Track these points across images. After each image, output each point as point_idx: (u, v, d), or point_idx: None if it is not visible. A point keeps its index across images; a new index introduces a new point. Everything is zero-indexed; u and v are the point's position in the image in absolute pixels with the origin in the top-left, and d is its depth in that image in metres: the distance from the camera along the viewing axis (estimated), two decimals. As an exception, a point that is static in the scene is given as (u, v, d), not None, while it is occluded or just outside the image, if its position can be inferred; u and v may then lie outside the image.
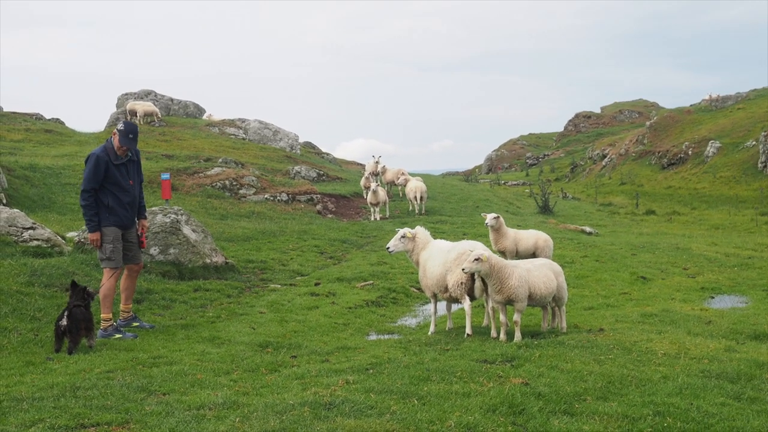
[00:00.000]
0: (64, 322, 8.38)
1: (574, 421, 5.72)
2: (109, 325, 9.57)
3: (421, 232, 10.59)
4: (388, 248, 10.63)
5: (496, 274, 9.01)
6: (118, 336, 9.44)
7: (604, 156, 56.98)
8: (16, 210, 14.05)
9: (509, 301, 9.12)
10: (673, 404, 6.03)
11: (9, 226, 13.15)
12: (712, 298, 13.70)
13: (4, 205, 15.97)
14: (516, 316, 9.17)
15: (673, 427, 5.57)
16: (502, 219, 14.13)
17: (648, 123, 57.18)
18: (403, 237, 10.50)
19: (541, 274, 9.47)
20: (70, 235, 14.85)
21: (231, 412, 5.85)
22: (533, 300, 9.37)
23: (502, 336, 9.18)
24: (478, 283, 9.39)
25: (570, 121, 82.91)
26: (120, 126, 9.89)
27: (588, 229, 25.42)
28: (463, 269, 9.06)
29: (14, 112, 40.24)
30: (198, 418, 5.72)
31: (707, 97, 59.91)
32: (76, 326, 8.43)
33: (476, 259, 8.92)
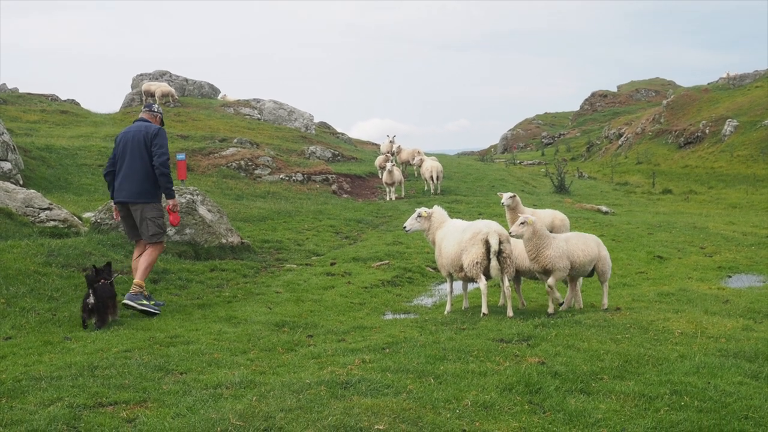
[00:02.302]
0: (92, 300, 8.61)
1: (590, 399, 5.72)
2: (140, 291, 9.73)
3: (437, 211, 10.54)
4: (405, 227, 10.63)
5: (537, 240, 9.29)
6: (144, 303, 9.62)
7: (621, 135, 56.59)
8: (32, 191, 14.13)
9: (545, 271, 9.42)
10: (690, 383, 6.01)
11: (26, 206, 13.22)
12: (730, 277, 13.64)
13: (21, 186, 16.05)
14: (551, 280, 9.47)
15: (690, 405, 5.56)
16: (518, 198, 14.08)
17: (664, 102, 56.72)
18: (419, 216, 10.48)
19: (580, 242, 9.69)
20: (86, 215, 14.92)
21: (248, 391, 5.87)
22: (573, 269, 9.61)
23: (509, 313, 9.36)
24: (494, 263, 9.35)
25: (586, 100, 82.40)
26: (160, 109, 10.62)
27: (604, 208, 25.33)
28: (510, 233, 9.37)
29: (30, 94, 40.33)
30: (215, 397, 5.75)
31: (725, 75, 59.32)
32: (104, 303, 8.71)
33: (522, 223, 9.21)
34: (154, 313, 9.52)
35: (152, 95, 37.91)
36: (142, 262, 9.80)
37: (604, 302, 9.91)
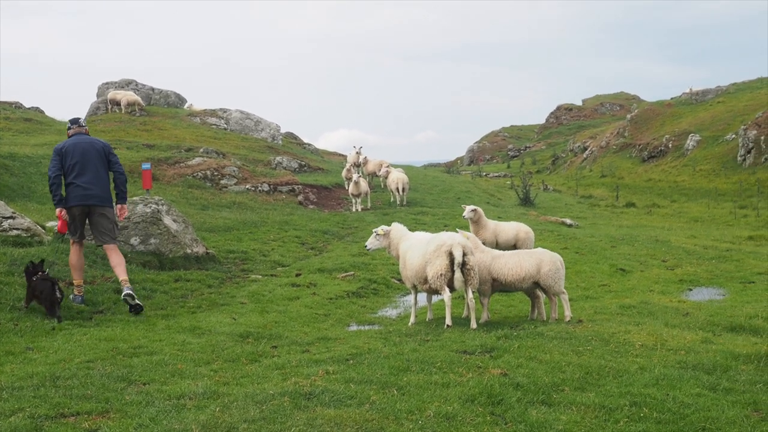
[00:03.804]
0: (58, 294, 9.47)
1: (551, 411, 5.79)
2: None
3: (395, 227, 10.71)
4: (366, 247, 10.88)
5: None
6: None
7: (585, 148, 57.15)
8: (-5, 199, 13.97)
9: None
10: (650, 395, 6.10)
11: (-12, 215, 13.06)
12: (690, 290, 13.81)
13: (-18, 194, 15.86)
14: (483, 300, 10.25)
15: (649, 417, 5.64)
16: (481, 211, 14.18)
17: (629, 116, 57.38)
18: (377, 234, 10.64)
19: (512, 261, 9.96)
20: (50, 224, 14.76)
21: (211, 402, 5.87)
22: (501, 285, 10.06)
23: (473, 324, 9.47)
24: (458, 275, 9.41)
25: (551, 113, 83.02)
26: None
27: (568, 221, 25.54)
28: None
29: (-7, 101, 39.92)
30: (178, 408, 5.74)
31: (688, 91, 60.07)
32: (62, 295, 9.66)
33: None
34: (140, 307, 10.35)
35: (118, 104, 37.63)
36: (119, 264, 10.56)
37: (566, 314, 9.99)
